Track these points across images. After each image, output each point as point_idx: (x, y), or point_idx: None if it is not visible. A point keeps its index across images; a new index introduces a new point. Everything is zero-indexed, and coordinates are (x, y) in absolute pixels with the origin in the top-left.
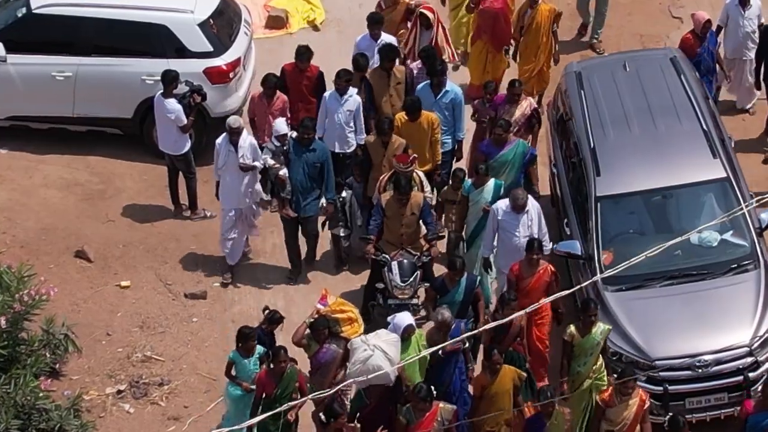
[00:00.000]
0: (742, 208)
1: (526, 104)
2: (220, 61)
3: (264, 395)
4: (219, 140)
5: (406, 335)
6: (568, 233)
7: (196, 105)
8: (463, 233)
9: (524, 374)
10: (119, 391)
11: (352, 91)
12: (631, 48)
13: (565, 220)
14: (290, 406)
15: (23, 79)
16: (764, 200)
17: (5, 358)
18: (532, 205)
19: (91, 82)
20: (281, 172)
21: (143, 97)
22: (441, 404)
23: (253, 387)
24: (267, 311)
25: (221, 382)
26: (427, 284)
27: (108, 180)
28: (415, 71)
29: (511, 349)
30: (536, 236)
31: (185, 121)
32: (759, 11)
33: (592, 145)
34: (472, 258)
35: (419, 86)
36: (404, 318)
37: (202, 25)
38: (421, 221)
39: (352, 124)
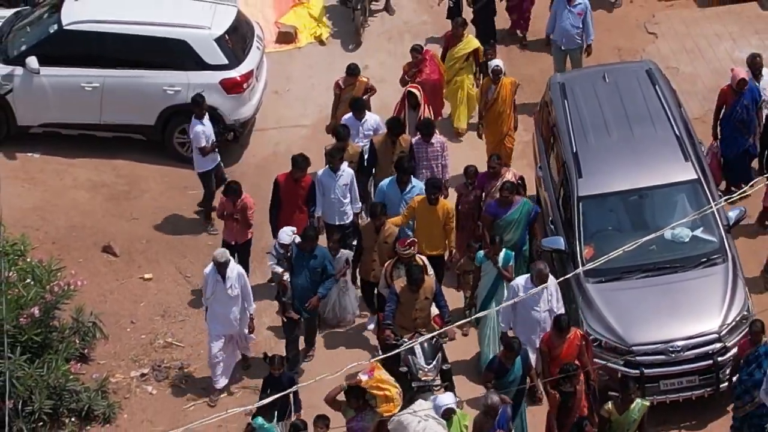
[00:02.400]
0: (711, 207)
1: (510, 175)
2: (235, 73)
3: None
4: (207, 270)
5: (446, 416)
6: (553, 230)
7: (228, 141)
8: (476, 302)
9: None
10: (143, 374)
11: (344, 165)
12: (609, 61)
13: (550, 218)
14: None
15: (55, 89)
16: (732, 199)
17: (38, 344)
18: (551, 279)
19: (117, 92)
20: (285, 278)
21: (164, 105)
22: None
23: None
24: (266, 358)
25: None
26: (449, 365)
27: (132, 182)
28: (415, 145)
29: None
30: (555, 309)
31: (201, 144)
32: None
33: (574, 149)
34: (484, 330)
35: (387, 182)
36: (446, 399)
37: (219, 40)
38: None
39: (348, 196)
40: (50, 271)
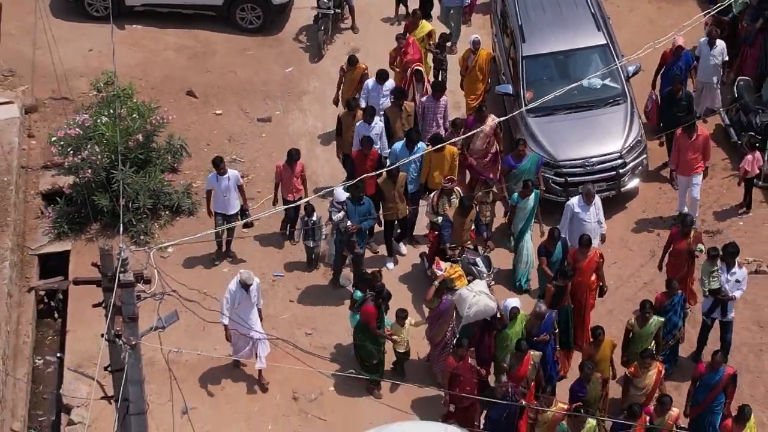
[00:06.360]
0: (616, 64)
1: (490, 119)
2: None
3: (372, 321)
4: (232, 287)
5: (512, 315)
6: (504, 80)
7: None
8: (513, 232)
9: (616, 343)
10: None
11: (377, 119)
12: None
13: (502, 72)
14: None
15: None
16: (631, 58)
17: (142, 160)
18: (596, 197)
19: None
20: (348, 223)
21: None
22: (531, 352)
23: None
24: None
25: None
26: (497, 269)
27: (207, 45)
28: (426, 102)
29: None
30: (602, 220)
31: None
32: (723, 50)
33: (519, 22)
34: (522, 252)
35: (399, 147)
36: (512, 301)
37: None
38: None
39: (378, 144)
40: (150, 108)
